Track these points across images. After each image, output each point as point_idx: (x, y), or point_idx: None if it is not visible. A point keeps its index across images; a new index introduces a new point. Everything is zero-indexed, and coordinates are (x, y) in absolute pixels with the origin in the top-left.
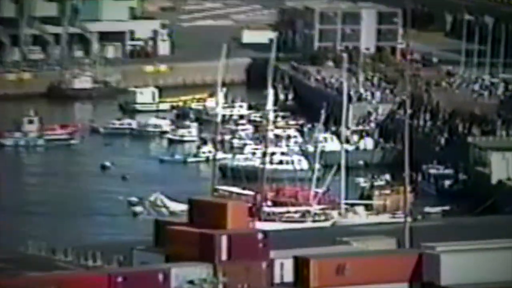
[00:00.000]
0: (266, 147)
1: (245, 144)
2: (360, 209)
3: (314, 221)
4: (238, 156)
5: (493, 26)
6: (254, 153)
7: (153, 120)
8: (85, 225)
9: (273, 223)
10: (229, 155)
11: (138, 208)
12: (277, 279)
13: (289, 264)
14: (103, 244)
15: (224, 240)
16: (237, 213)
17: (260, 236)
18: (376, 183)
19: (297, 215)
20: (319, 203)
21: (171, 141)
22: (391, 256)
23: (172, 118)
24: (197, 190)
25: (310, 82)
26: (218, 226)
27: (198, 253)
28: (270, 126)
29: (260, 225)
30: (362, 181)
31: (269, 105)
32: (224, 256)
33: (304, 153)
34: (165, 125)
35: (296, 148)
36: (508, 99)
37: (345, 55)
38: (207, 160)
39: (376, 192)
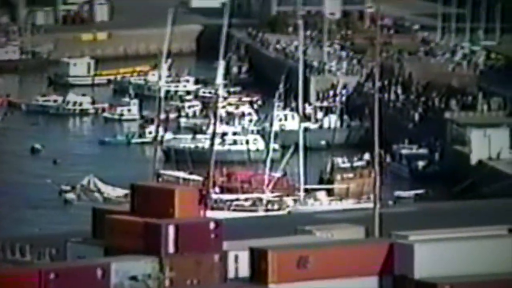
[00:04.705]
0: (215, 126)
1: (195, 124)
2: (322, 195)
3: (266, 210)
4: (185, 136)
5: None
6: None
7: (71, 97)
8: (12, 215)
9: (221, 212)
10: (186, 136)
11: (70, 195)
12: (231, 274)
13: (244, 257)
14: (33, 236)
15: (171, 230)
16: (186, 200)
17: (212, 225)
18: (355, 164)
19: (247, 203)
20: (274, 188)
21: (106, 120)
22: (359, 247)
23: (109, 93)
24: (140, 175)
25: (268, 51)
26: (165, 215)
27: (141, 245)
28: (221, 103)
29: (206, 214)
30: (340, 162)
31: (219, 79)
32: (171, 249)
33: (260, 132)
34: (86, 102)
35: (252, 127)
36: (490, 69)
37: (300, 21)
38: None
39: (338, 176)
